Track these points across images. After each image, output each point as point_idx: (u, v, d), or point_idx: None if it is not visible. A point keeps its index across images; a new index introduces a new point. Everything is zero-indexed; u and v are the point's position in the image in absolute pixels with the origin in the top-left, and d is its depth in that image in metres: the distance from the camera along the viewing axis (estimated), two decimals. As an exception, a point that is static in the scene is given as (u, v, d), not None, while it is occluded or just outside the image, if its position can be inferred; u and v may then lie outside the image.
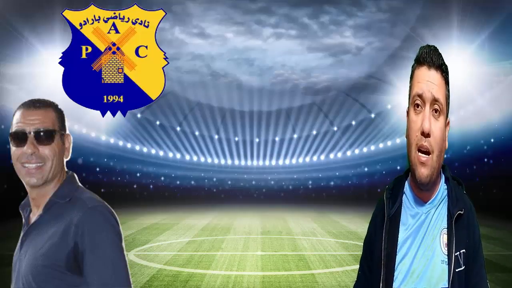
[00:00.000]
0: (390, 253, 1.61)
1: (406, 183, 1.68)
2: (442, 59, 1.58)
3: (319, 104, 40.60)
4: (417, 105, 1.57)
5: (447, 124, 1.61)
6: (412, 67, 1.61)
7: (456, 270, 1.55)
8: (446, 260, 1.56)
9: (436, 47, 1.59)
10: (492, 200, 21.36)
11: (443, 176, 1.66)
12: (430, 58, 1.57)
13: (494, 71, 23.25)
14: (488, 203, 19.60)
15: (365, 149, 39.53)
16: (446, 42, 23.25)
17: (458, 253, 1.56)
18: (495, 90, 23.37)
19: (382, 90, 34.55)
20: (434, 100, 1.55)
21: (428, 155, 1.55)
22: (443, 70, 1.58)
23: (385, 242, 1.62)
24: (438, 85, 1.56)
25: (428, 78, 1.56)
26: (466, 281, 1.57)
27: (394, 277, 1.59)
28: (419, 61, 1.59)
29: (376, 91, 35.95)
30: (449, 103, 1.60)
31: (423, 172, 1.55)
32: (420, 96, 1.56)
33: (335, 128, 41.02)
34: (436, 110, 1.56)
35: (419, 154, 1.55)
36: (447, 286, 1.54)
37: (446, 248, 1.57)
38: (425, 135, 1.54)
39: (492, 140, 24.14)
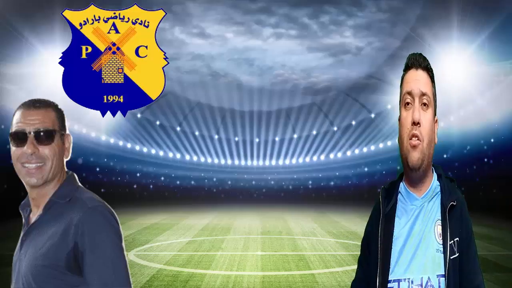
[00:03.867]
0: (386, 247, 1.68)
1: (401, 184, 1.77)
2: (428, 62, 1.74)
3: (319, 104, 40.57)
4: (407, 103, 1.71)
5: (435, 121, 1.72)
6: (402, 76, 1.77)
7: (451, 258, 1.62)
8: (441, 248, 1.64)
9: (421, 54, 1.75)
10: (492, 200, 21.34)
11: (436, 173, 1.76)
12: (417, 61, 1.73)
13: (494, 71, 23.24)
14: (488, 203, 19.60)
15: (365, 149, 39.49)
16: (446, 42, 23.26)
17: (452, 241, 1.63)
18: (495, 90, 23.36)
19: (382, 90, 34.53)
20: (422, 94, 1.69)
21: (419, 141, 1.67)
22: (429, 70, 1.73)
23: (381, 237, 1.70)
24: (424, 82, 1.71)
25: (416, 77, 1.71)
26: (460, 268, 1.64)
27: (392, 270, 1.66)
28: (407, 66, 1.75)
29: (376, 91, 35.94)
30: (436, 101, 1.74)
31: (414, 155, 1.66)
32: (409, 93, 1.71)
33: (335, 128, 40.98)
34: (424, 104, 1.69)
35: (411, 140, 1.68)
36: (443, 273, 1.61)
37: (441, 238, 1.65)
38: (415, 123, 1.66)
39: (492, 140, 24.13)
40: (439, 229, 1.65)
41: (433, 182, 1.72)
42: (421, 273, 1.62)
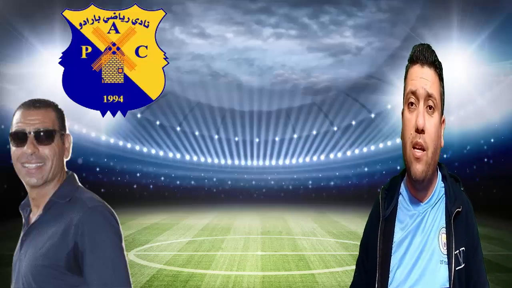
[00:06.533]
0: (386, 254, 1.59)
1: (402, 184, 1.66)
2: (436, 56, 1.56)
3: (319, 104, 40.58)
4: (411, 104, 1.55)
5: (442, 121, 1.59)
6: (406, 67, 1.60)
7: (456, 269, 1.53)
8: (446, 260, 1.54)
9: (429, 45, 1.57)
10: (492, 200, 21.34)
11: (440, 174, 1.64)
12: (423, 55, 1.55)
13: (494, 71, 23.25)
14: (488, 203, 19.58)
15: (365, 149, 39.50)
16: (446, 42, 23.25)
17: (457, 251, 1.54)
18: (495, 90, 23.37)
19: (382, 90, 34.55)
20: (428, 96, 1.53)
21: (423, 151, 1.53)
22: (437, 66, 1.56)
23: (380, 242, 1.60)
24: (431, 81, 1.54)
25: (421, 75, 1.54)
26: (466, 278, 1.55)
27: (391, 279, 1.57)
28: (412, 60, 1.57)
29: (376, 91, 35.95)
30: (444, 99, 1.59)
31: (418, 168, 1.53)
32: (413, 93, 1.54)
33: (335, 128, 40.97)
34: (430, 107, 1.54)
35: (414, 150, 1.53)
36: (447, 286, 1.52)
37: (445, 248, 1.55)
38: (419, 131, 1.52)
39: (492, 140, 24.14)
40: (443, 238, 1.55)
41: (437, 185, 1.61)
42: (423, 285, 1.53)
